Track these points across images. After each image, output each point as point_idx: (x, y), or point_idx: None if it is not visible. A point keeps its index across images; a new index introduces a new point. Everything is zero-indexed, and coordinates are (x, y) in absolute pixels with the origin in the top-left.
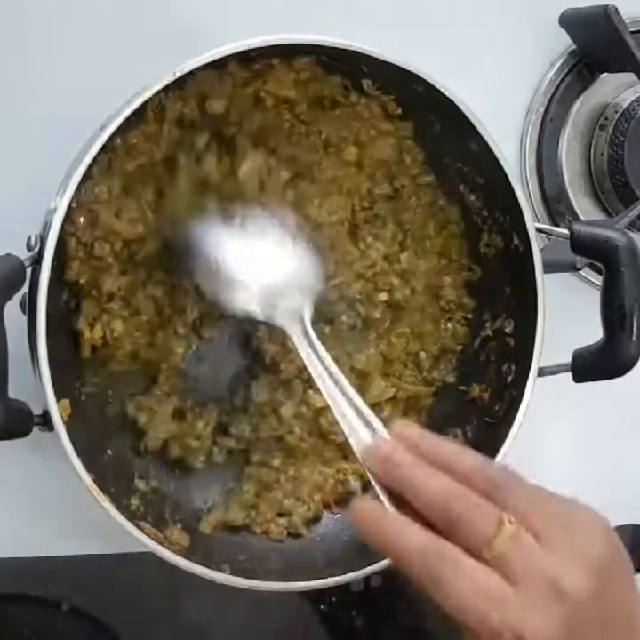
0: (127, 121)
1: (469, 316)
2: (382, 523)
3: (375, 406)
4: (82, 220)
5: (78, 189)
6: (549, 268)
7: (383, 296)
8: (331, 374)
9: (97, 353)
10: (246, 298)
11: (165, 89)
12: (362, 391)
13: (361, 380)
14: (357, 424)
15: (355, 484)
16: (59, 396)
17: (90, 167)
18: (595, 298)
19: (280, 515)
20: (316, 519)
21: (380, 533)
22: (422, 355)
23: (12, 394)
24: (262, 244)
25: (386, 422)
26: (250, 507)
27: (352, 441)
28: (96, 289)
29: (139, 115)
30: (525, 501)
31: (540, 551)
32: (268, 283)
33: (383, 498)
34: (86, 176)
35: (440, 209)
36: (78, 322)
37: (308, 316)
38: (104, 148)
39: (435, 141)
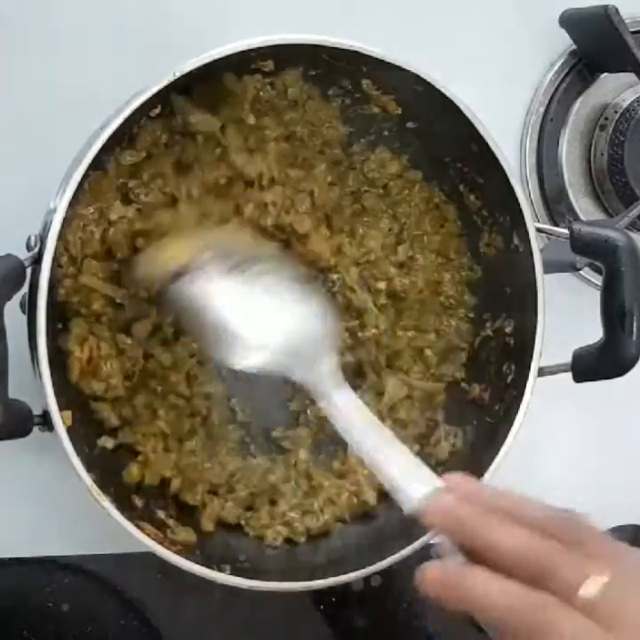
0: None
1: (471, 314)
2: (461, 582)
3: (392, 409)
4: (77, 236)
5: (71, 204)
6: (549, 268)
7: (382, 284)
8: (373, 430)
9: (83, 377)
10: (259, 357)
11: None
12: (379, 392)
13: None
14: (405, 480)
15: (370, 494)
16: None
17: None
18: (595, 298)
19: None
20: (324, 533)
21: (460, 594)
22: (427, 351)
23: (11, 394)
24: (267, 294)
25: (405, 424)
26: (245, 508)
27: (400, 497)
28: (86, 307)
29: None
30: (607, 550)
31: (632, 596)
32: (282, 339)
33: (455, 550)
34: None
35: (436, 206)
36: (67, 342)
37: (334, 371)
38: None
39: (435, 141)
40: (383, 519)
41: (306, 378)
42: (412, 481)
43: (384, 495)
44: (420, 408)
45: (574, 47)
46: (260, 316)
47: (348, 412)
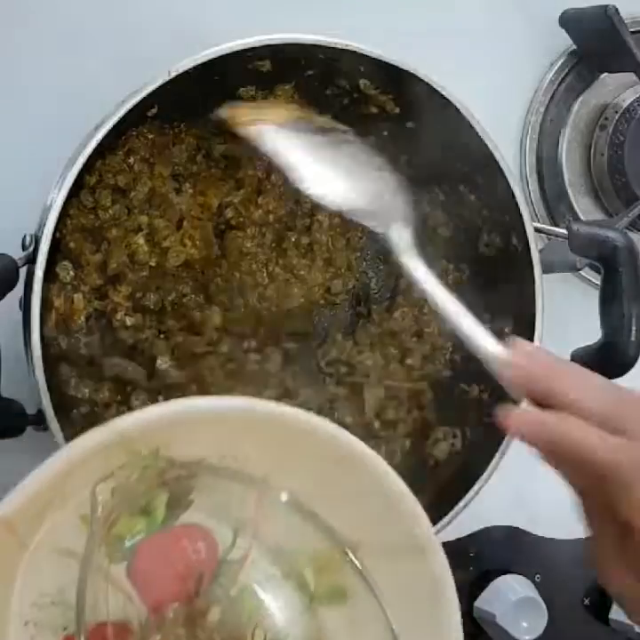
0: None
1: None
2: (554, 425)
3: (380, 413)
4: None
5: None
6: (549, 268)
7: None
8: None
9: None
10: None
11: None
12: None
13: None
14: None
15: None
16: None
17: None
18: (595, 298)
19: None
20: None
21: (553, 436)
22: (408, 360)
23: (6, 393)
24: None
25: (394, 423)
26: None
27: (482, 349)
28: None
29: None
30: None
31: None
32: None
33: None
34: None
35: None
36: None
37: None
38: None
39: (434, 141)
40: None
41: (389, 234)
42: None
43: None
44: (409, 406)
45: (574, 47)
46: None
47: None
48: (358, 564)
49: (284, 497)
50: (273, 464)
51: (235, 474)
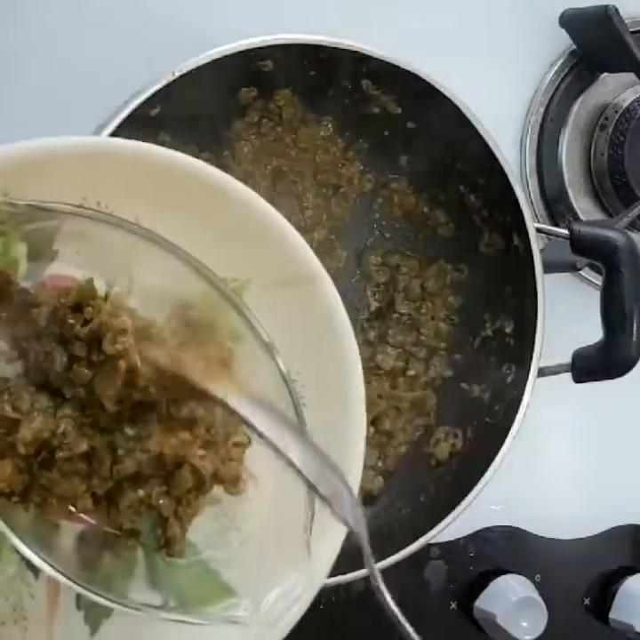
0: None
1: (454, 316)
2: None
3: (375, 421)
4: None
5: None
6: (549, 268)
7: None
8: None
9: None
10: None
11: None
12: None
13: None
14: None
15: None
16: None
17: None
18: (595, 298)
19: None
20: None
21: None
22: (410, 371)
23: None
24: None
25: (390, 434)
26: None
27: None
28: None
29: None
30: None
31: None
32: None
33: None
34: None
35: (421, 213)
36: None
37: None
38: None
39: (435, 141)
40: (383, 519)
41: None
42: None
43: (369, 497)
44: (408, 417)
45: (574, 47)
46: None
47: None
48: (239, 303)
49: (133, 219)
50: (143, 207)
51: (100, 218)
